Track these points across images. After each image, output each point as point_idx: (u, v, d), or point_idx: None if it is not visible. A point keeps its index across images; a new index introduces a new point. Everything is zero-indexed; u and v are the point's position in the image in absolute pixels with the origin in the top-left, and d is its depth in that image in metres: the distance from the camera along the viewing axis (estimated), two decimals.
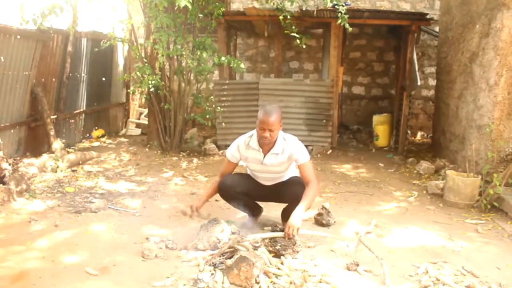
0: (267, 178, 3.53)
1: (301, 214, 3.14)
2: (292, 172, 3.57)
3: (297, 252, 3.08)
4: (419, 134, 9.08)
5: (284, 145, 3.33)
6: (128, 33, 7.00)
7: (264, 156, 3.36)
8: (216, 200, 4.09)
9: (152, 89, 6.61)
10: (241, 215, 3.81)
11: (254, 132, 3.39)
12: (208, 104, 6.93)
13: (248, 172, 3.68)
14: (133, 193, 4.72)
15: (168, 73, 6.77)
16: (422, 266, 3.00)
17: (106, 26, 7.49)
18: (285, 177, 3.55)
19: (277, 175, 3.50)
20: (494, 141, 4.87)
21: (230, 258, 2.81)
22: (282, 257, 3.00)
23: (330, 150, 7.11)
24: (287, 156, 3.34)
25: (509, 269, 3.09)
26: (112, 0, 6.35)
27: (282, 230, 3.18)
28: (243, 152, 3.42)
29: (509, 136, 4.87)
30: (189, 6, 5.42)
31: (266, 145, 3.32)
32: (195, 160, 6.43)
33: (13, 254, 3.07)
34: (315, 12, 6.89)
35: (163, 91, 6.63)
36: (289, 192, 3.41)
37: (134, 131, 8.70)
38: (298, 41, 6.60)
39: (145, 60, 6.71)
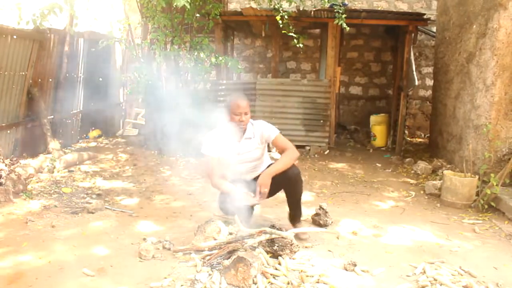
0: (248, 169, 3.55)
1: (272, 173, 3.27)
2: (268, 160, 3.69)
3: (295, 252, 3.08)
4: (416, 134, 9.10)
5: (253, 129, 3.49)
6: (125, 33, 6.99)
7: (238, 144, 3.45)
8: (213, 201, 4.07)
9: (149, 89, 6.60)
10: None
11: (217, 129, 3.48)
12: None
13: (230, 179, 3.52)
14: (130, 194, 4.71)
15: (165, 73, 6.76)
16: (419, 266, 3.01)
17: (103, 26, 7.48)
18: (264, 165, 3.60)
19: (255, 162, 3.55)
20: (491, 141, 4.88)
21: (227, 258, 2.80)
22: (279, 257, 3.00)
23: (328, 150, 7.12)
24: (259, 137, 3.47)
25: (506, 269, 3.09)
26: (109, 0, 6.35)
27: (279, 230, 3.17)
28: (218, 144, 3.44)
29: (506, 136, 4.88)
30: (188, 6, 5.41)
31: (239, 132, 3.43)
32: (192, 160, 6.41)
33: (9, 255, 3.06)
34: (312, 12, 6.90)
35: (160, 91, 6.62)
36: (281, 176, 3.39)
37: (131, 131, 8.68)
38: (295, 41, 6.59)
39: (142, 60, 6.70)
